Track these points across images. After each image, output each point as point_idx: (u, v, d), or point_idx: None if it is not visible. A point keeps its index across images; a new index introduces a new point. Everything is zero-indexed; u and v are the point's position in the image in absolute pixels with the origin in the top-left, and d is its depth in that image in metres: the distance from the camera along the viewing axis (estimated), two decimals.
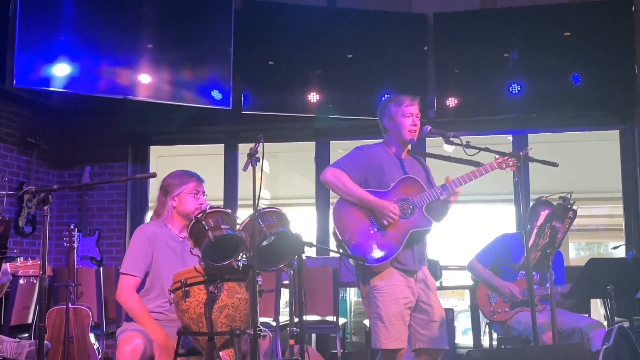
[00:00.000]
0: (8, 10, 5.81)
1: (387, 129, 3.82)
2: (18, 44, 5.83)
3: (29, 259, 3.06)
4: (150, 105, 6.57)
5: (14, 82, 5.87)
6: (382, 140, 3.92)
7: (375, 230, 3.60)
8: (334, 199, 6.81)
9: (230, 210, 3.36)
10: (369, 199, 3.60)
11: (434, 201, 3.68)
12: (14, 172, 6.63)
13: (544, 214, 3.74)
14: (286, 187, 10.42)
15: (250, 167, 3.26)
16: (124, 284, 3.61)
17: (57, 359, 5.04)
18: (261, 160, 3.25)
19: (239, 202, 7.15)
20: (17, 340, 2.99)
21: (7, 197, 6.04)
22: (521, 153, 3.58)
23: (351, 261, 3.62)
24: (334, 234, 3.65)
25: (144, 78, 6.37)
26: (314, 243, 3.94)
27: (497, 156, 3.69)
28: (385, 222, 3.58)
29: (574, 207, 3.67)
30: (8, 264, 3.06)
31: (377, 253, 3.57)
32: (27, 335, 4.84)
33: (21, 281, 4.71)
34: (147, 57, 6.43)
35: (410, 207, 3.65)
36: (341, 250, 3.62)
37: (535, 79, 6.46)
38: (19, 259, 3.58)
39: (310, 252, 6.05)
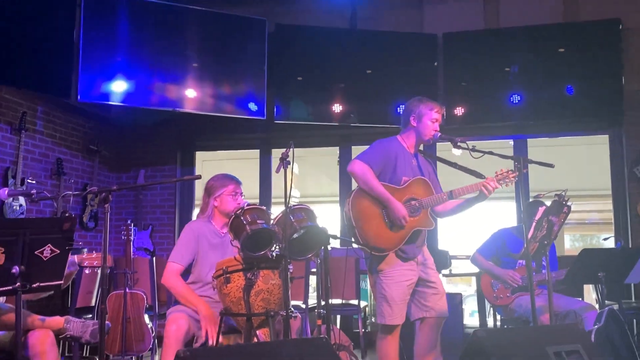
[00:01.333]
0: (73, 36, 5.88)
1: (411, 125, 3.74)
2: (81, 64, 5.91)
3: (93, 251, 3.09)
4: (195, 116, 6.62)
5: (79, 97, 5.94)
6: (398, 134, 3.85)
7: (385, 223, 3.58)
8: None
9: (265, 207, 3.37)
10: (388, 198, 3.54)
11: (440, 203, 3.66)
12: (79, 175, 6.72)
13: (541, 209, 3.70)
14: (313, 186, 10.43)
15: (282, 170, 3.28)
16: (169, 269, 3.64)
17: (116, 337, 5.09)
18: (292, 164, 3.26)
19: (273, 200, 7.16)
20: (82, 320, 3.03)
21: (74, 197, 6.11)
22: (515, 174, 3.56)
23: (356, 247, 3.60)
24: (348, 219, 3.59)
25: (190, 93, 6.42)
26: (338, 235, 3.92)
27: (497, 172, 3.62)
28: (397, 224, 3.56)
29: (569, 203, 3.63)
30: (75, 255, 3.09)
31: (383, 244, 3.55)
32: (90, 316, 4.90)
33: (86, 271, 4.77)
34: (193, 75, 6.47)
35: (417, 206, 3.61)
36: (352, 239, 3.58)
37: (533, 90, 6.41)
38: (83, 250, 3.64)
39: (335, 243, 6.04)
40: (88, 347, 5.47)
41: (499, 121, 6.56)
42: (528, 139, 6.74)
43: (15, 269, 2.57)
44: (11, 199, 5.43)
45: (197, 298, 3.53)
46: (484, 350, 2.74)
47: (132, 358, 5.30)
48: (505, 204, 7.39)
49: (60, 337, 2.97)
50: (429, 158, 3.94)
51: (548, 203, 3.89)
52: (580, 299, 5.15)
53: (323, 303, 3.42)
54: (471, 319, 7.04)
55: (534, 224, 3.68)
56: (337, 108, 6.60)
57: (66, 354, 5.26)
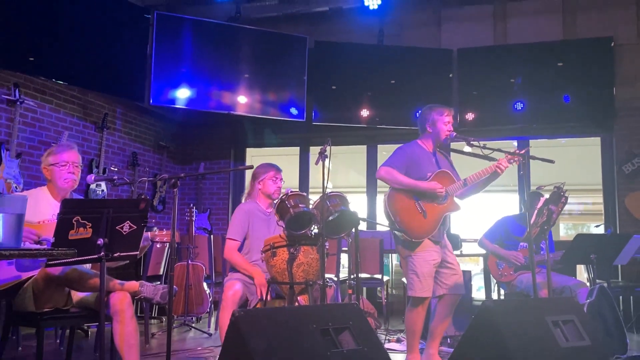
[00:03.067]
0: (146, 50, 5.96)
1: (427, 130, 3.69)
2: (153, 74, 5.99)
3: (163, 229, 3.13)
4: (246, 118, 6.67)
5: (151, 101, 6.03)
6: (417, 138, 3.78)
7: (419, 213, 3.53)
8: (380, 188, 6.83)
9: (305, 194, 3.38)
10: (418, 185, 3.49)
11: (460, 190, 3.60)
12: (150, 166, 6.82)
13: (542, 199, 3.64)
14: (344, 179, 10.39)
15: (320, 162, 3.27)
16: (229, 246, 3.68)
17: (180, 302, 5.17)
18: (329, 157, 3.25)
19: (310, 190, 7.17)
20: (154, 285, 3.06)
21: (148, 182, 6.20)
22: (523, 151, 3.49)
23: (397, 233, 3.55)
24: (387, 215, 3.54)
25: (242, 98, 6.45)
26: (367, 218, 3.91)
27: (507, 154, 3.56)
28: (438, 195, 3.48)
29: (566, 194, 3.55)
30: (148, 232, 3.13)
31: (420, 231, 3.48)
32: (159, 282, 4.97)
33: (157, 245, 4.85)
34: (244, 83, 6.50)
35: (445, 194, 3.57)
36: (397, 232, 3.54)
37: (535, 99, 6.30)
38: (154, 228, 3.67)
39: (362, 226, 6.02)
40: (157, 308, 5.56)
41: (505, 125, 6.46)
42: (530, 140, 6.62)
43: (100, 241, 2.60)
44: (95, 184, 5.54)
45: (253, 267, 3.56)
46: (492, 317, 2.70)
47: (192, 318, 5.39)
48: (509, 196, 7.28)
49: (135, 298, 3.01)
50: (446, 154, 3.88)
51: (547, 195, 3.82)
52: (574, 277, 5.04)
53: (353, 275, 3.41)
54: (478, 293, 6.95)
55: (535, 211, 3.60)
56: (364, 112, 6.58)
57: (138, 314, 5.36)
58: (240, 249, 3.69)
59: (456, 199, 3.65)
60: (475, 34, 6.63)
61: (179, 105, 6.21)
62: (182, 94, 6.18)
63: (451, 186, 3.57)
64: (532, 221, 3.56)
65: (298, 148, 7.32)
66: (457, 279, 3.60)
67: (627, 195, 6.07)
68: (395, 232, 3.54)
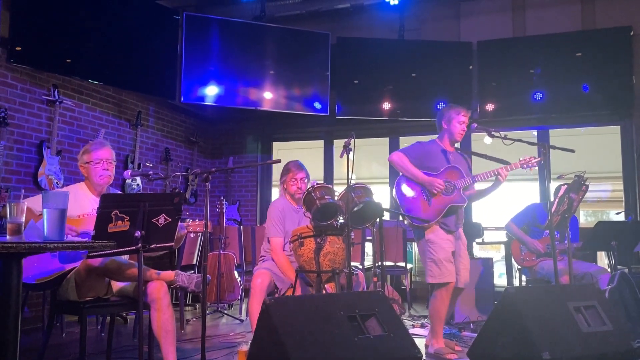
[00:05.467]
0: (177, 50, 6.02)
1: (443, 128, 3.70)
2: (184, 73, 6.04)
3: (197, 219, 3.16)
4: (272, 113, 6.68)
5: (182, 99, 6.09)
6: (436, 136, 3.79)
7: (425, 200, 3.54)
8: None
9: (331, 186, 3.38)
10: (421, 176, 3.54)
11: (468, 185, 3.59)
12: (182, 161, 6.89)
13: (563, 188, 3.57)
14: (367, 170, 10.35)
15: (345, 156, 3.27)
16: (275, 244, 3.61)
17: (212, 289, 5.23)
18: (353, 150, 3.25)
19: (334, 182, 7.17)
20: (189, 274, 3.10)
21: (182, 177, 6.24)
22: (538, 159, 3.45)
23: (405, 221, 3.58)
24: (395, 200, 3.62)
25: (268, 94, 6.47)
26: (390, 209, 3.90)
27: (520, 159, 3.52)
28: (435, 192, 3.52)
29: (587, 183, 3.49)
30: (183, 223, 3.16)
31: (422, 215, 3.53)
32: (192, 272, 5.02)
33: (191, 235, 4.90)
34: (270, 80, 6.51)
35: (452, 187, 3.56)
36: (405, 217, 3.57)
37: (554, 88, 6.17)
38: (188, 220, 3.71)
39: (386, 216, 6.00)
40: (191, 296, 5.64)
41: (525, 115, 6.35)
42: (550, 130, 6.50)
43: (138, 233, 2.64)
44: (131, 179, 5.63)
45: (292, 270, 3.49)
46: (514, 303, 2.68)
47: (224, 305, 5.45)
48: (530, 184, 7.16)
49: (171, 287, 3.05)
50: (465, 155, 3.84)
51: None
52: (595, 263, 4.96)
53: (378, 263, 3.41)
54: (499, 280, 6.87)
55: (556, 200, 3.55)
56: (386, 106, 6.54)
57: (173, 301, 5.44)
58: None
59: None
60: (494, 26, 6.51)
61: (208, 102, 6.25)
62: (211, 91, 6.22)
63: (459, 180, 3.57)
64: (553, 209, 3.50)
65: (322, 141, 7.30)
66: (464, 273, 3.63)
67: None
68: (401, 217, 3.56)
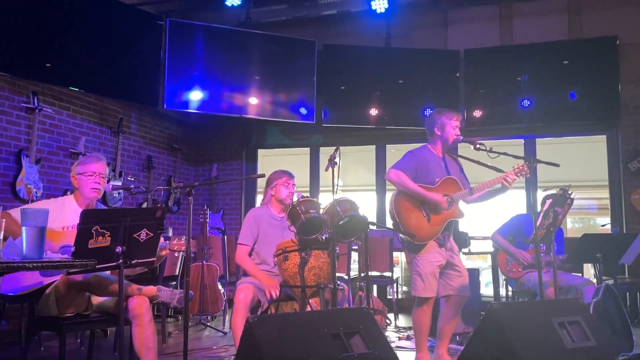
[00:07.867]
0: (160, 55, 6.00)
1: (436, 133, 3.69)
2: (167, 79, 6.03)
3: (182, 237, 3.11)
4: (257, 120, 6.70)
5: (165, 105, 6.07)
6: (426, 142, 3.78)
7: (424, 217, 3.55)
8: (389, 186, 6.77)
9: (316, 199, 3.39)
10: (424, 193, 3.51)
11: (466, 197, 3.62)
12: (165, 168, 6.88)
13: (548, 202, 3.62)
14: (353, 177, 10.39)
15: (330, 169, 3.29)
16: (240, 251, 3.69)
17: (195, 301, 5.22)
18: (339, 164, 3.27)
19: (320, 189, 7.20)
20: (171, 289, 3.10)
21: (164, 191, 6.20)
22: (527, 168, 3.48)
23: (402, 236, 3.58)
24: (392, 216, 3.57)
25: (253, 100, 6.48)
26: (376, 222, 3.92)
27: (514, 166, 3.55)
28: (439, 209, 3.52)
29: (572, 196, 3.55)
30: (167, 242, 3.14)
31: (423, 234, 3.51)
32: (174, 283, 5.01)
33: (175, 254, 4.91)
34: (255, 86, 6.52)
35: (450, 201, 3.58)
36: (401, 235, 3.56)
37: (541, 97, 6.28)
38: (169, 229, 3.72)
39: (372, 225, 6.04)
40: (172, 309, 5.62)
41: (512, 123, 6.44)
42: (537, 139, 6.59)
43: (119, 249, 2.64)
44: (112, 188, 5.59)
45: (260, 273, 3.57)
46: (498, 320, 2.72)
47: (207, 317, 5.44)
48: (516, 193, 7.25)
49: (153, 302, 3.05)
50: (455, 158, 3.87)
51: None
52: (580, 275, 5.04)
53: (363, 275, 3.42)
54: (486, 289, 6.95)
55: (541, 214, 3.60)
56: (373, 113, 6.59)
57: (155, 313, 5.42)
58: (250, 253, 3.73)
59: (461, 204, 3.67)
60: (482, 34, 6.60)
61: (192, 108, 6.24)
62: (195, 97, 6.21)
63: (457, 193, 3.58)
64: (538, 223, 3.56)
65: (308, 149, 7.33)
66: (462, 281, 3.62)
67: (634, 192, 6.03)
68: (400, 235, 3.56)
